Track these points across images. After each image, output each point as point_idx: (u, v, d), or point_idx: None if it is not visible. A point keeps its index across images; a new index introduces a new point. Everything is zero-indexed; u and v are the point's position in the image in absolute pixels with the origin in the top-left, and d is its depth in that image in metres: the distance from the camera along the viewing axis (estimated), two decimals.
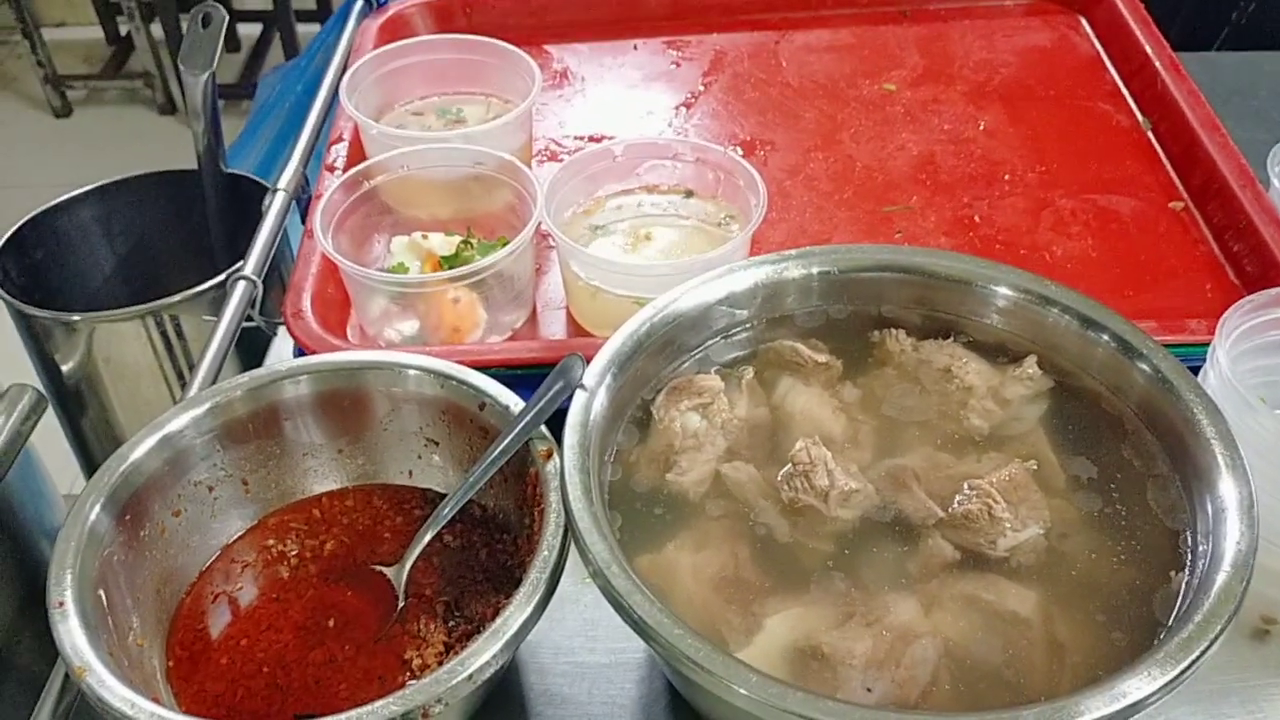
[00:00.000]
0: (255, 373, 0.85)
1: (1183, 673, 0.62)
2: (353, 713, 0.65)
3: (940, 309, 0.90)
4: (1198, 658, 0.62)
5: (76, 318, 1.26)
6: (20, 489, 1.13)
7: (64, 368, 1.30)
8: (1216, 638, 0.63)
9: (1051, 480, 0.79)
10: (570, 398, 0.80)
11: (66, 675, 0.75)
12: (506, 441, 0.80)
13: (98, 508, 0.77)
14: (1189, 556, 0.72)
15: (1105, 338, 0.82)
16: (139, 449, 0.80)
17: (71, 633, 0.70)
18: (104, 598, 0.75)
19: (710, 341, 0.90)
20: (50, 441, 1.06)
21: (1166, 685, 0.61)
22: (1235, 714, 0.79)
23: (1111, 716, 0.60)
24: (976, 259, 0.88)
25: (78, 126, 3.58)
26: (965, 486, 0.77)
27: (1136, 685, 0.61)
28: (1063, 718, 0.60)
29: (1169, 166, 1.25)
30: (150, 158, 1.49)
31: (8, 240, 1.33)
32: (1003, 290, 0.86)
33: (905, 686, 0.68)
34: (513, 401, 0.83)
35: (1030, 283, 0.86)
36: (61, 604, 0.72)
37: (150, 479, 0.81)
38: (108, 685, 0.68)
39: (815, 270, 0.88)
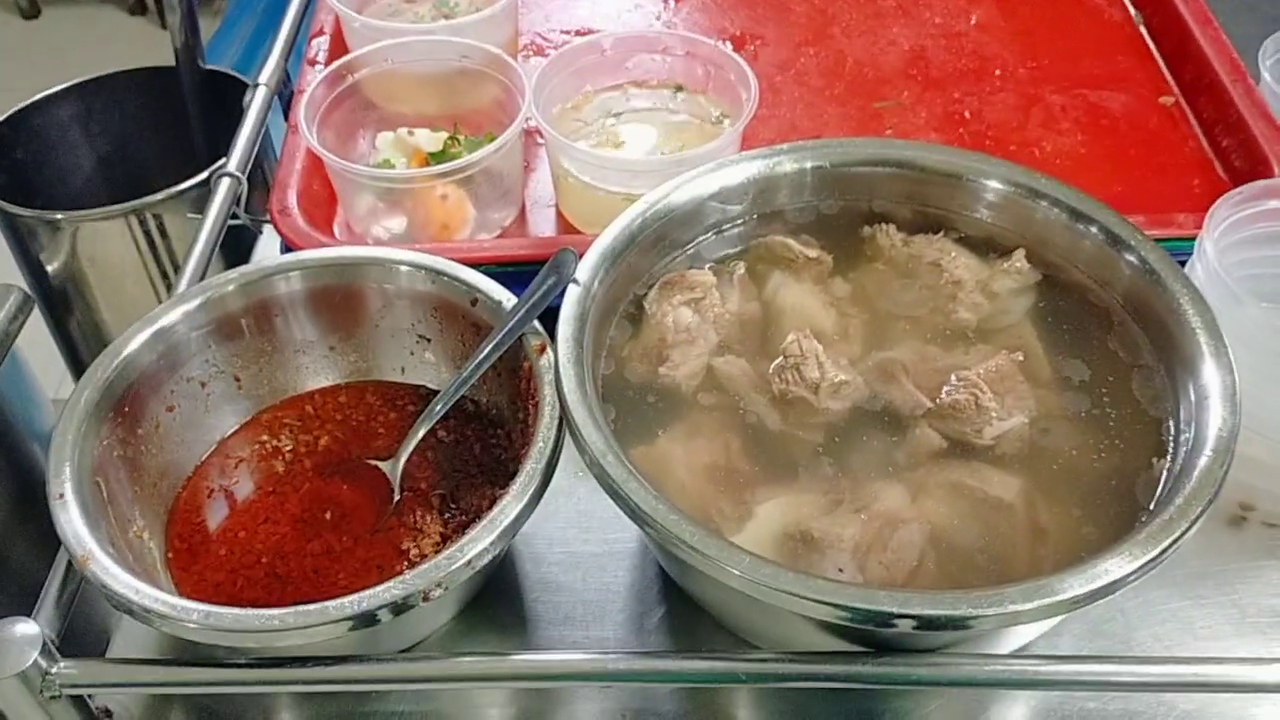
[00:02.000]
0: (247, 268, 0.85)
1: (1163, 552, 0.64)
2: (357, 595, 0.66)
3: (931, 204, 0.90)
4: (1177, 538, 0.64)
5: (60, 216, 1.25)
6: (8, 391, 1.13)
7: (49, 268, 1.29)
8: (1196, 519, 0.65)
9: (1038, 371, 0.81)
10: (563, 293, 0.80)
11: (67, 568, 0.75)
12: (499, 336, 0.80)
13: (93, 401, 0.77)
14: (1171, 443, 0.74)
15: (1093, 230, 0.83)
16: (132, 343, 0.80)
17: (73, 522, 0.71)
18: (103, 489, 0.76)
19: (702, 237, 0.90)
20: (36, 344, 1.06)
21: (1146, 564, 0.63)
22: (1211, 596, 0.81)
23: (1093, 593, 0.62)
24: (967, 153, 0.88)
25: (46, 28, 3.48)
26: (953, 378, 0.78)
27: (1118, 564, 0.63)
28: (1045, 594, 0.61)
29: (1160, 61, 1.24)
30: (121, 60, 1.45)
31: None
32: (993, 184, 0.87)
33: (892, 569, 0.70)
34: (505, 297, 0.83)
35: (1020, 176, 0.86)
36: (61, 495, 0.72)
37: (144, 373, 0.81)
38: (111, 572, 0.69)
39: (808, 165, 0.88)
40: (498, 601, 0.83)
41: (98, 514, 0.74)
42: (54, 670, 0.68)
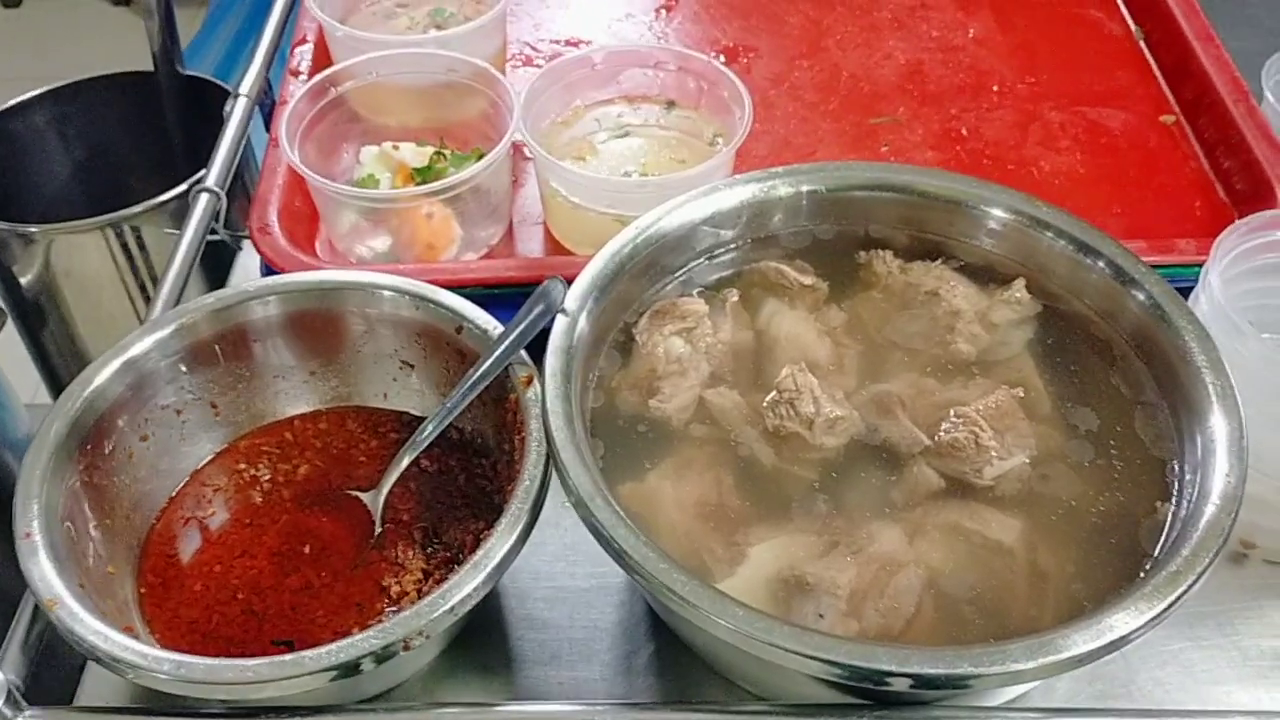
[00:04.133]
0: (222, 293, 0.82)
1: (1169, 607, 0.62)
2: (333, 645, 0.64)
3: (929, 229, 0.88)
4: (1184, 592, 0.62)
5: (34, 229, 1.22)
6: None
7: (22, 280, 1.26)
8: (1203, 573, 0.63)
9: (1037, 407, 0.78)
10: (550, 322, 0.78)
11: (34, 611, 0.73)
12: (485, 366, 0.78)
13: (62, 434, 0.75)
14: (1176, 487, 0.72)
15: (1097, 262, 0.81)
16: (102, 374, 0.77)
17: (40, 564, 0.69)
18: (72, 526, 0.73)
19: (693, 262, 0.87)
20: (6, 350, 1.03)
21: (1152, 620, 0.61)
22: (1212, 637, 0.79)
23: (1098, 650, 0.60)
24: (969, 178, 0.86)
25: (26, 17, 3.42)
26: (952, 414, 0.76)
27: (1123, 619, 0.61)
28: (1050, 651, 0.59)
29: (1161, 78, 1.22)
30: (104, 52, 1.42)
31: None
32: (994, 212, 0.84)
33: (889, 617, 0.68)
34: (491, 325, 0.81)
35: (1022, 204, 0.84)
36: (29, 534, 0.70)
37: (114, 403, 0.78)
38: (78, 617, 0.66)
39: (803, 189, 0.86)
40: (481, 640, 0.81)
41: (65, 553, 0.71)
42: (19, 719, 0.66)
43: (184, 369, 0.81)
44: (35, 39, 3.30)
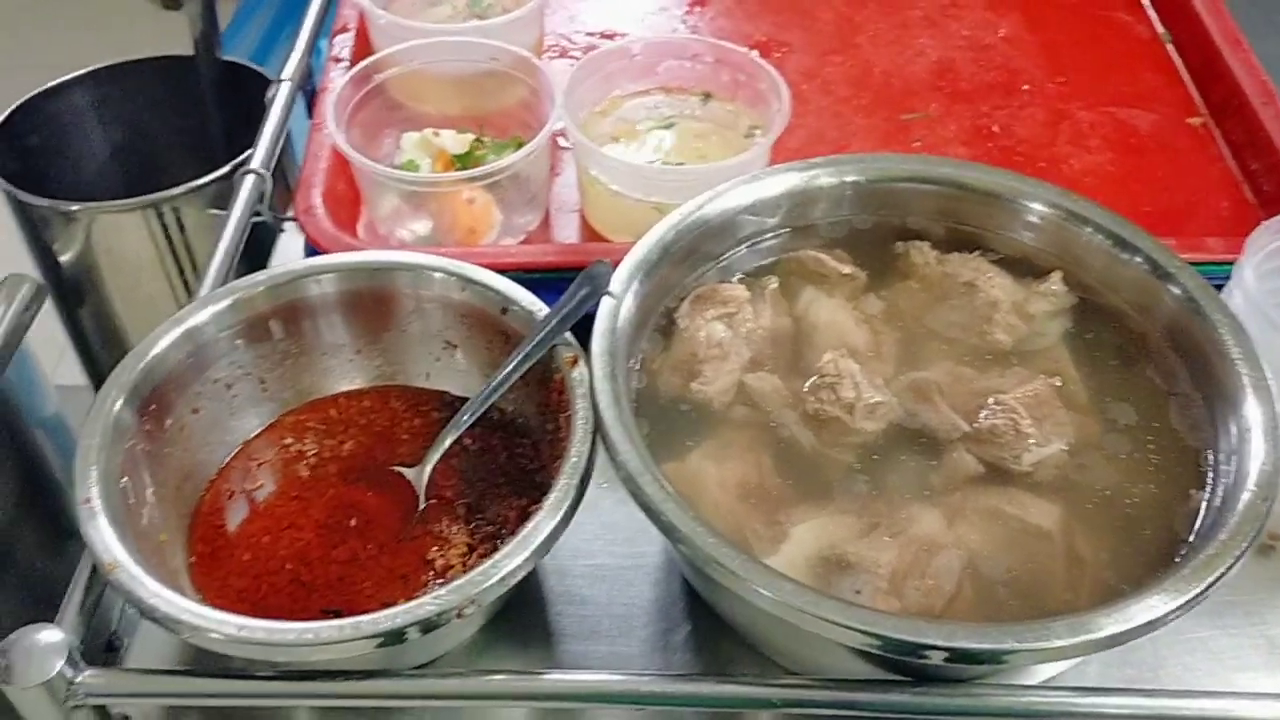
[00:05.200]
0: (277, 269, 0.84)
1: (1206, 589, 0.63)
2: (391, 610, 0.65)
3: (966, 222, 0.89)
4: (1220, 575, 0.64)
5: (76, 208, 1.23)
6: (14, 379, 1.11)
7: (62, 258, 1.27)
8: (1240, 556, 0.64)
9: (1074, 396, 0.80)
10: (596, 305, 0.79)
11: (91, 572, 0.75)
12: (533, 345, 0.79)
13: (120, 402, 0.76)
14: (1210, 475, 0.73)
15: (1133, 256, 0.82)
16: (160, 344, 0.79)
17: (100, 528, 0.70)
18: (129, 493, 0.75)
19: (733, 250, 0.89)
20: (36, 328, 1.05)
21: (1189, 601, 0.63)
22: (1240, 626, 0.81)
23: (1136, 629, 0.61)
24: (1007, 172, 0.87)
25: (67, 4, 3.42)
26: (991, 401, 0.77)
27: (1160, 601, 0.62)
28: (1090, 629, 0.61)
29: (1188, 81, 1.24)
30: (140, 42, 1.43)
31: (1, 125, 1.29)
32: (1033, 205, 0.86)
33: (930, 595, 0.69)
34: (537, 307, 0.83)
35: (1060, 198, 0.85)
36: (88, 500, 0.71)
37: (171, 374, 0.80)
38: (138, 580, 0.68)
39: (846, 179, 0.87)
40: (521, 615, 0.82)
41: (123, 519, 0.73)
42: (79, 680, 0.67)
43: (239, 343, 0.83)
44: (71, 24, 3.31)
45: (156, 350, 0.79)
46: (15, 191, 1.24)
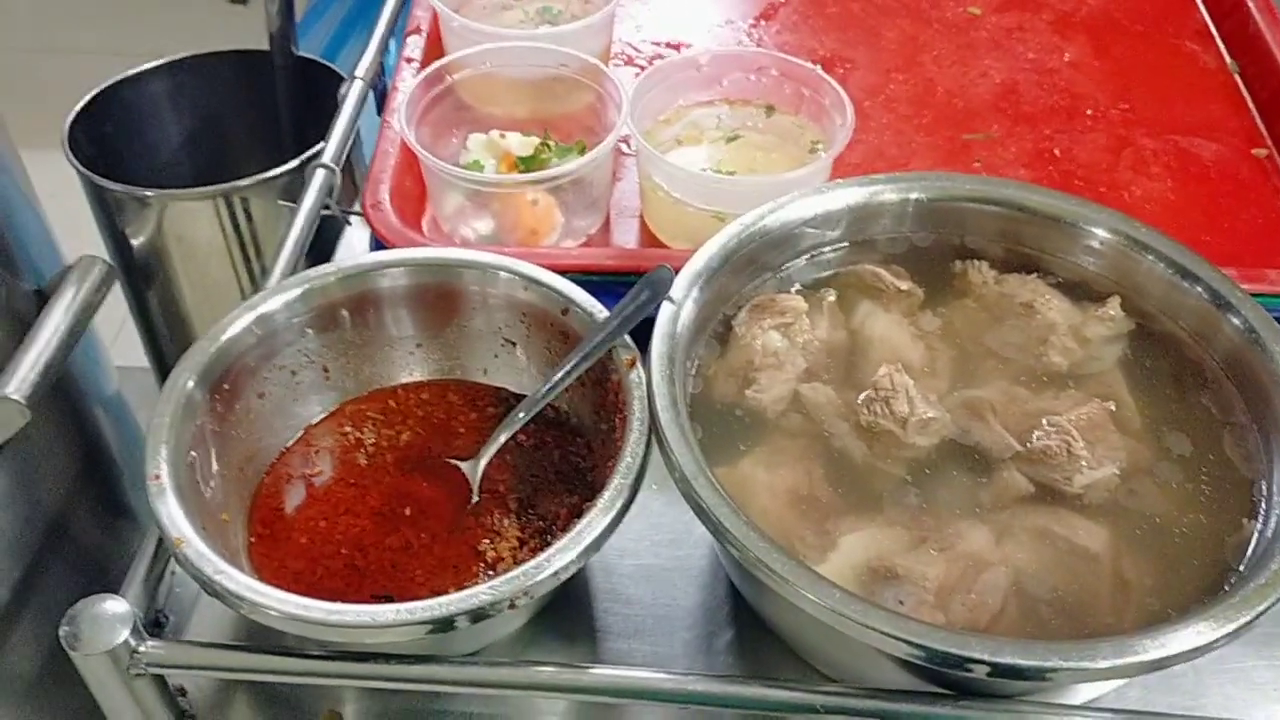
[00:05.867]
0: (348, 261, 0.86)
1: (1254, 619, 0.63)
2: (446, 597, 0.67)
3: (1025, 243, 0.90)
4: (1270, 605, 0.64)
5: (150, 194, 1.27)
6: (80, 358, 1.14)
7: (134, 242, 1.31)
8: None
9: (1127, 421, 0.80)
10: (656, 309, 0.81)
11: (157, 547, 0.77)
12: (591, 347, 0.81)
13: (192, 383, 0.78)
14: (1263, 505, 0.73)
15: (1194, 286, 0.82)
16: (233, 327, 0.81)
17: (169, 505, 0.72)
18: (195, 472, 0.77)
19: (792, 261, 0.90)
20: (100, 311, 1.08)
21: (1239, 629, 0.63)
22: None
23: (1185, 654, 0.62)
24: (1069, 196, 0.88)
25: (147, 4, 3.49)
26: (1044, 422, 0.78)
27: (1209, 628, 0.63)
28: (1139, 651, 0.61)
29: (1255, 112, 1.23)
30: (215, 37, 1.47)
31: (80, 112, 1.33)
32: (1093, 230, 0.86)
33: (976, 611, 0.70)
34: (597, 309, 0.84)
35: (1122, 224, 0.86)
36: (158, 476, 0.74)
37: (241, 358, 0.82)
38: (205, 556, 0.70)
39: (910, 196, 0.88)
40: (566, 610, 0.84)
41: (191, 497, 0.75)
42: (142, 649, 0.69)
43: (308, 331, 0.85)
44: (145, 13, 3.38)
45: (229, 334, 0.81)
46: (92, 176, 1.28)
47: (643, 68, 1.28)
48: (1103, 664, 0.61)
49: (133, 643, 0.69)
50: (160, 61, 1.40)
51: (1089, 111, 1.22)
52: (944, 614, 0.70)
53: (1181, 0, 1.38)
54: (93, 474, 1.21)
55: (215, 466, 0.80)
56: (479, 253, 0.87)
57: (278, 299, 0.83)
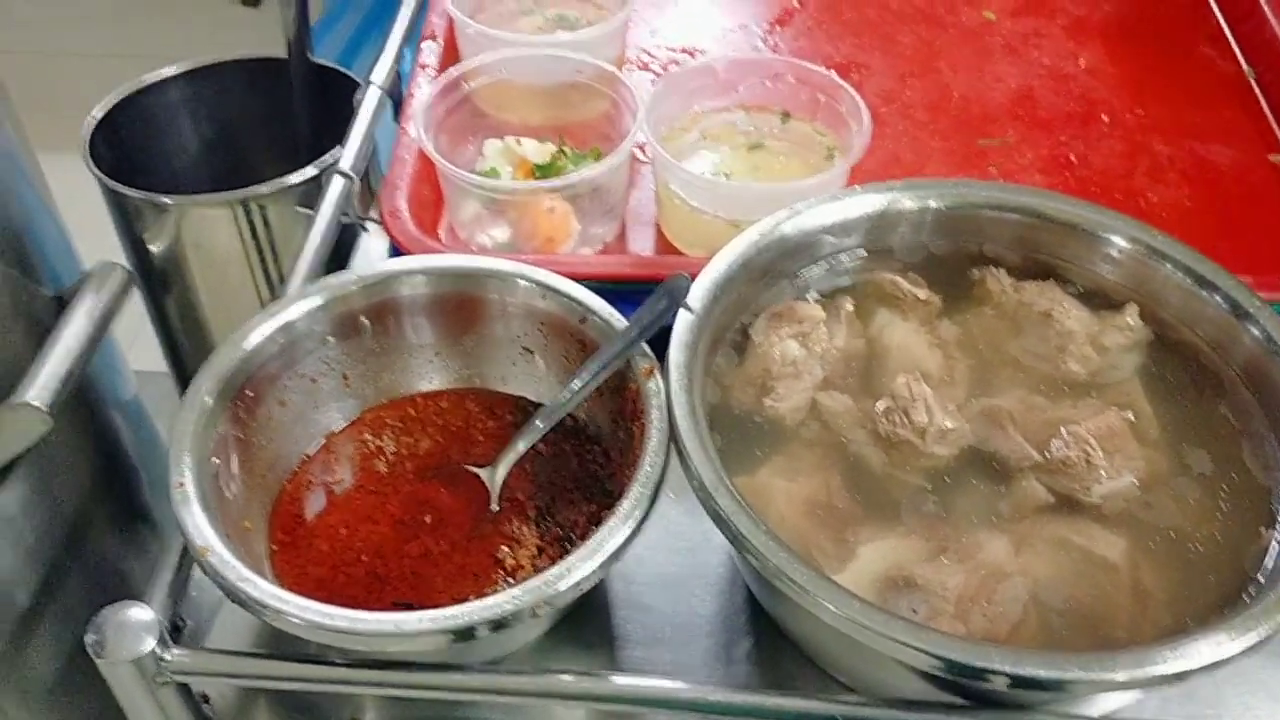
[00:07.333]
0: (369, 269, 0.87)
1: (1276, 630, 0.63)
2: (468, 605, 0.67)
3: (1043, 251, 0.90)
4: None
5: (168, 200, 1.27)
6: (98, 363, 1.15)
7: (152, 248, 1.32)
8: None
9: (1146, 430, 0.80)
10: (674, 317, 0.81)
11: (182, 555, 0.77)
12: (610, 356, 0.81)
13: (214, 392, 0.79)
14: None
15: (1212, 294, 0.82)
16: (254, 335, 0.82)
17: (193, 513, 0.72)
18: (218, 480, 0.78)
19: (809, 269, 0.90)
20: (119, 316, 1.08)
21: (1260, 642, 0.63)
22: None
23: (1205, 667, 0.62)
24: (1087, 204, 0.88)
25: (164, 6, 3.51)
26: (1063, 432, 0.78)
27: (1229, 639, 0.63)
28: (1159, 662, 0.61)
29: (1271, 117, 1.23)
30: (230, 45, 1.48)
31: (100, 120, 1.34)
32: (1112, 238, 0.86)
33: (996, 622, 0.70)
34: (615, 317, 0.84)
35: (1140, 232, 0.86)
36: (182, 484, 0.74)
37: (263, 366, 0.83)
38: (229, 564, 0.70)
39: (929, 204, 0.88)
40: (585, 618, 0.84)
41: (215, 505, 0.75)
42: (168, 658, 0.70)
43: (329, 339, 0.86)
44: (156, 21, 3.39)
45: (252, 342, 0.81)
46: (111, 183, 1.28)
47: (657, 73, 1.28)
48: (1121, 675, 0.61)
49: (159, 651, 0.70)
50: (178, 69, 1.41)
51: (1104, 117, 1.22)
52: (964, 624, 0.70)
53: (1197, 5, 1.38)
54: (111, 479, 1.21)
55: (237, 474, 0.81)
56: (499, 261, 0.88)
57: (299, 307, 0.84)
